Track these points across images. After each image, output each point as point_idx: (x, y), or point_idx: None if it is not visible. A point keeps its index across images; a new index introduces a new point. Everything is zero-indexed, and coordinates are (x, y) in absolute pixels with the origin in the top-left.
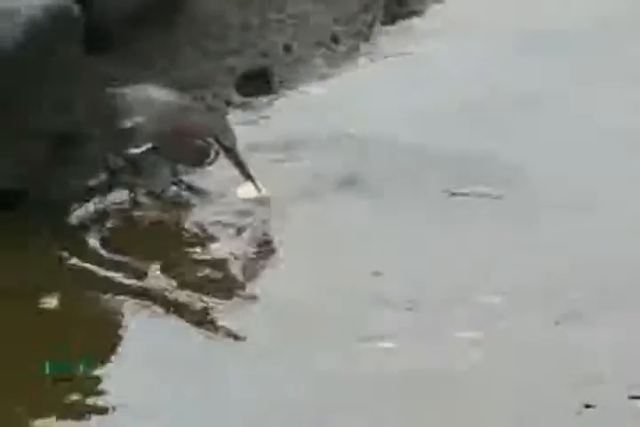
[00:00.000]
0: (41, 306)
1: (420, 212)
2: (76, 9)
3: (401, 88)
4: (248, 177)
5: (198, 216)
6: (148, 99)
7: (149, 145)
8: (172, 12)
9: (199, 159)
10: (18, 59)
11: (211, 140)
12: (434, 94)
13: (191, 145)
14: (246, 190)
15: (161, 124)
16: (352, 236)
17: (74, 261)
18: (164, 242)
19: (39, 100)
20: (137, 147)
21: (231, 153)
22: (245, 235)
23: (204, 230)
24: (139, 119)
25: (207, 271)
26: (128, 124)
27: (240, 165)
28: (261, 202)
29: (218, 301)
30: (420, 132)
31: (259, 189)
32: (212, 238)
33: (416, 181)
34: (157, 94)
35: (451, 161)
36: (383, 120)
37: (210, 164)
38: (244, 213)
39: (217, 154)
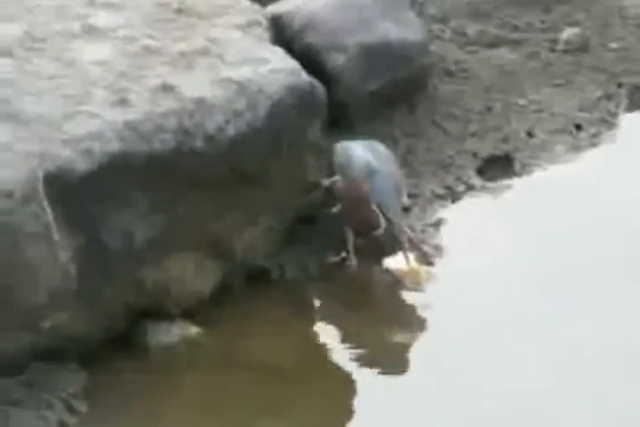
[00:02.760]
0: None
1: None
2: (321, 89)
3: None
4: (402, 248)
5: None
6: (350, 158)
7: (339, 206)
8: (413, 94)
9: (369, 228)
10: (264, 133)
11: (374, 207)
12: None
13: (365, 213)
14: (393, 260)
15: (347, 187)
16: None
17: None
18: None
19: (276, 178)
20: (334, 206)
21: (392, 224)
22: None
23: None
24: (336, 178)
25: None
26: (327, 182)
27: (398, 237)
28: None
29: None
30: None
31: (408, 262)
32: None
33: None
34: (357, 154)
35: None
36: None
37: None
38: None
39: (388, 223)
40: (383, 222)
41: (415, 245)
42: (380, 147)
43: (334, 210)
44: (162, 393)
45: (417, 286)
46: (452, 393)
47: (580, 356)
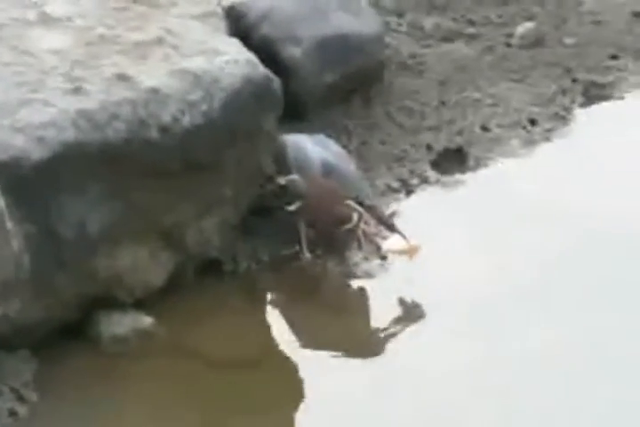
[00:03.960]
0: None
1: None
2: (277, 81)
3: (599, 172)
4: (394, 230)
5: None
6: (305, 156)
7: (299, 204)
8: (369, 86)
9: (339, 223)
10: (219, 124)
11: (351, 202)
12: None
13: (331, 211)
14: (393, 242)
15: (309, 186)
16: None
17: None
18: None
19: (230, 169)
20: (289, 204)
21: (372, 210)
22: None
23: None
24: (293, 177)
25: None
26: (283, 180)
27: (383, 219)
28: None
29: None
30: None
31: (406, 240)
32: None
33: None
34: (312, 151)
35: None
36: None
37: (352, 230)
38: None
39: (359, 218)
40: (355, 216)
41: (368, 237)
42: (330, 142)
43: (292, 208)
44: (114, 384)
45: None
46: (401, 377)
47: (525, 334)
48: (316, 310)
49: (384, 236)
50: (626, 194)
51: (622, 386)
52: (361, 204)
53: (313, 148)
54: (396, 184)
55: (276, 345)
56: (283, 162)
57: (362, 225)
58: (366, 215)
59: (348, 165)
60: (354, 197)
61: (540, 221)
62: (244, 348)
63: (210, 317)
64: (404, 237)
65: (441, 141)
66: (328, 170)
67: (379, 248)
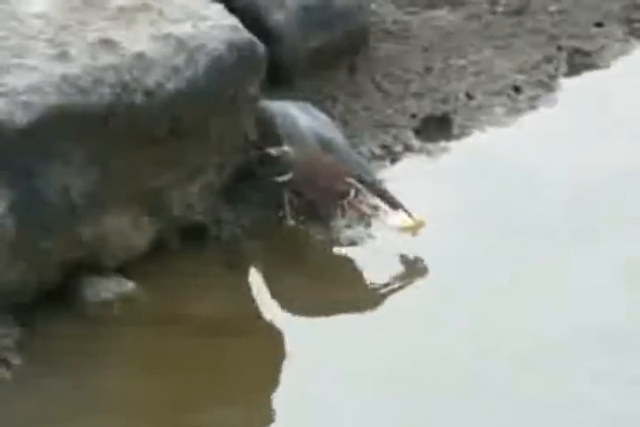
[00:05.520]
0: None
1: None
2: (261, 46)
3: (583, 141)
4: (397, 206)
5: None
6: (296, 127)
7: (290, 175)
8: (353, 53)
9: (337, 198)
10: (204, 89)
11: (350, 179)
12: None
13: (330, 184)
14: (397, 219)
15: (305, 158)
16: None
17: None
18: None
19: (215, 134)
20: (280, 175)
21: (374, 187)
22: None
23: None
24: (286, 148)
25: None
26: (274, 151)
27: (385, 195)
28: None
29: None
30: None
31: (410, 215)
32: None
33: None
34: (303, 122)
35: None
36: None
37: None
38: None
39: (356, 194)
40: (352, 192)
41: (353, 206)
42: (314, 109)
43: (282, 179)
44: (98, 349)
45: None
46: (380, 346)
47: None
48: (300, 276)
49: (386, 211)
50: (610, 161)
51: None
52: (362, 181)
53: (302, 116)
54: (379, 151)
55: (259, 312)
56: (271, 131)
57: (356, 201)
58: (366, 192)
59: (341, 137)
60: (355, 174)
61: (524, 189)
62: (227, 314)
63: (193, 282)
64: (408, 213)
65: (425, 109)
66: (327, 145)
67: (382, 223)
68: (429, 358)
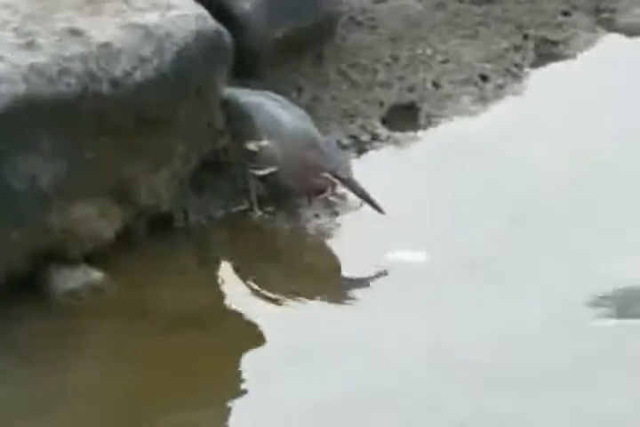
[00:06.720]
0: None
1: None
2: (227, 35)
3: (550, 130)
4: (369, 201)
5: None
6: (277, 123)
7: (272, 169)
8: (320, 42)
9: (317, 192)
10: (171, 78)
11: (327, 174)
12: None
13: (310, 179)
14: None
15: (287, 152)
16: None
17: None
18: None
19: (182, 124)
20: (260, 169)
21: (348, 183)
22: None
23: None
24: (266, 143)
25: None
26: (254, 146)
27: (358, 191)
28: None
29: None
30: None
31: (381, 211)
32: None
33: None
34: (285, 118)
35: None
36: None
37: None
38: None
39: (333, 187)
40: (332, 186)
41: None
42: (283, 99)
43: (262, 173)
44: (65, 341)
45: None
46: (351, 334)
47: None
48: (268, 265)
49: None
50: (576, 149)
51: None
52: (338, 177)
53: (280, 111)
54: (347, 141)
55: (228, 302)
56: (248, 126)
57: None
58: (341, 188)
59: (311, 125)
60: (331, 169)
61: (492, 177)
62: (196, 304)
63: (161, 272)
64: (379, 210)
65: (392, 98)
66: (310, 139)
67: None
68: (400, 344)
